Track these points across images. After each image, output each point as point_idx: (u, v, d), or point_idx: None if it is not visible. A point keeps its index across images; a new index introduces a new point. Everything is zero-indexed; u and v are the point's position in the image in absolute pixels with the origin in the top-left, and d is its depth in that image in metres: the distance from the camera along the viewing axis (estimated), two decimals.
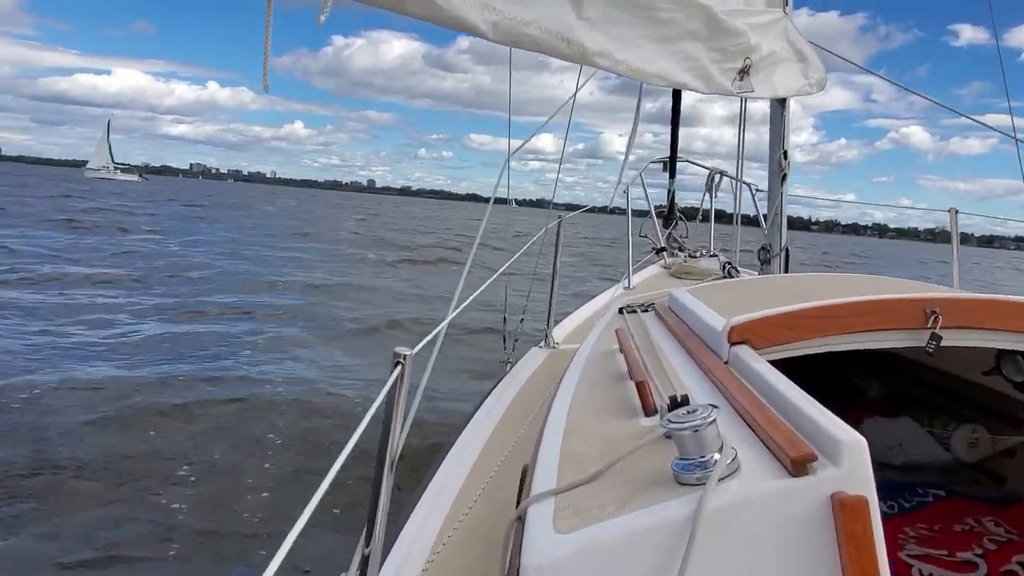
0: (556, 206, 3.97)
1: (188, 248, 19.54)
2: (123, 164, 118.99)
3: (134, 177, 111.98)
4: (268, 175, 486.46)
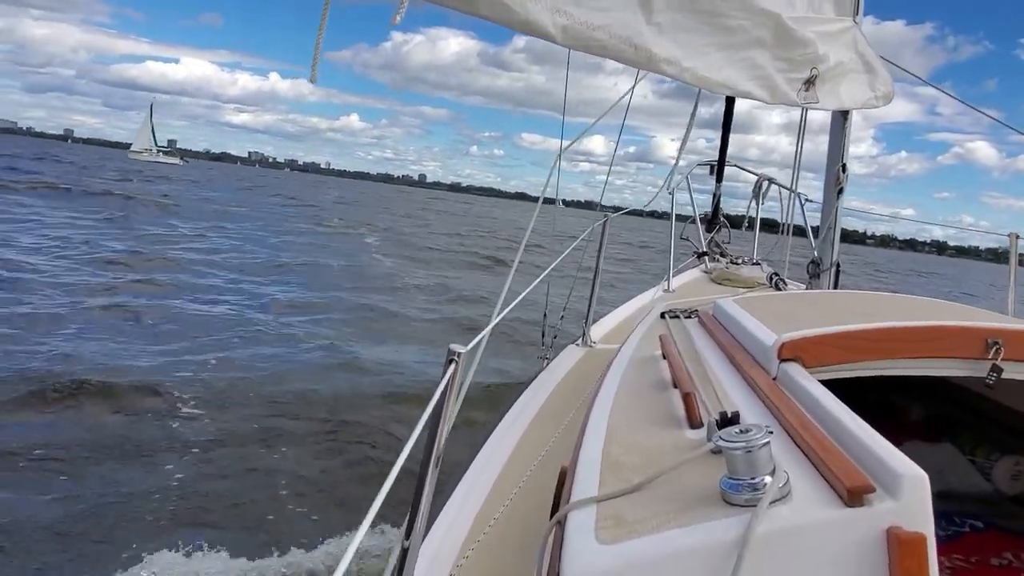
0: (604, 208, 3.96)
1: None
2: (164, 147, 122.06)
3: (176, 160, 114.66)
4: (323, 166, 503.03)
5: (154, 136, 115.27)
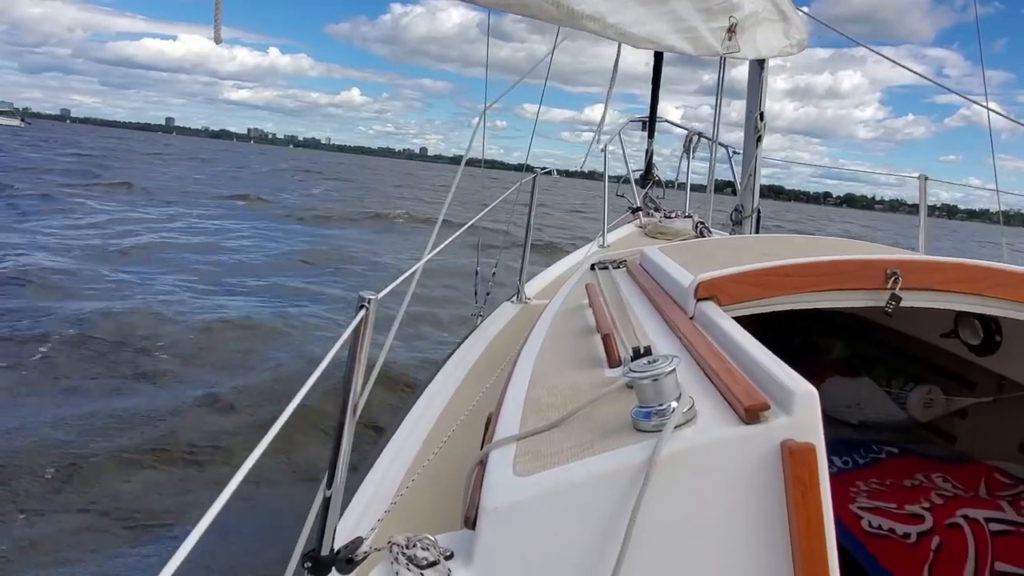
0: (531, 169, 3.94)
1: None
2: (3, 110, 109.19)
3: (15, 122, 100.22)
4: (323, 141, 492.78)
5: None
